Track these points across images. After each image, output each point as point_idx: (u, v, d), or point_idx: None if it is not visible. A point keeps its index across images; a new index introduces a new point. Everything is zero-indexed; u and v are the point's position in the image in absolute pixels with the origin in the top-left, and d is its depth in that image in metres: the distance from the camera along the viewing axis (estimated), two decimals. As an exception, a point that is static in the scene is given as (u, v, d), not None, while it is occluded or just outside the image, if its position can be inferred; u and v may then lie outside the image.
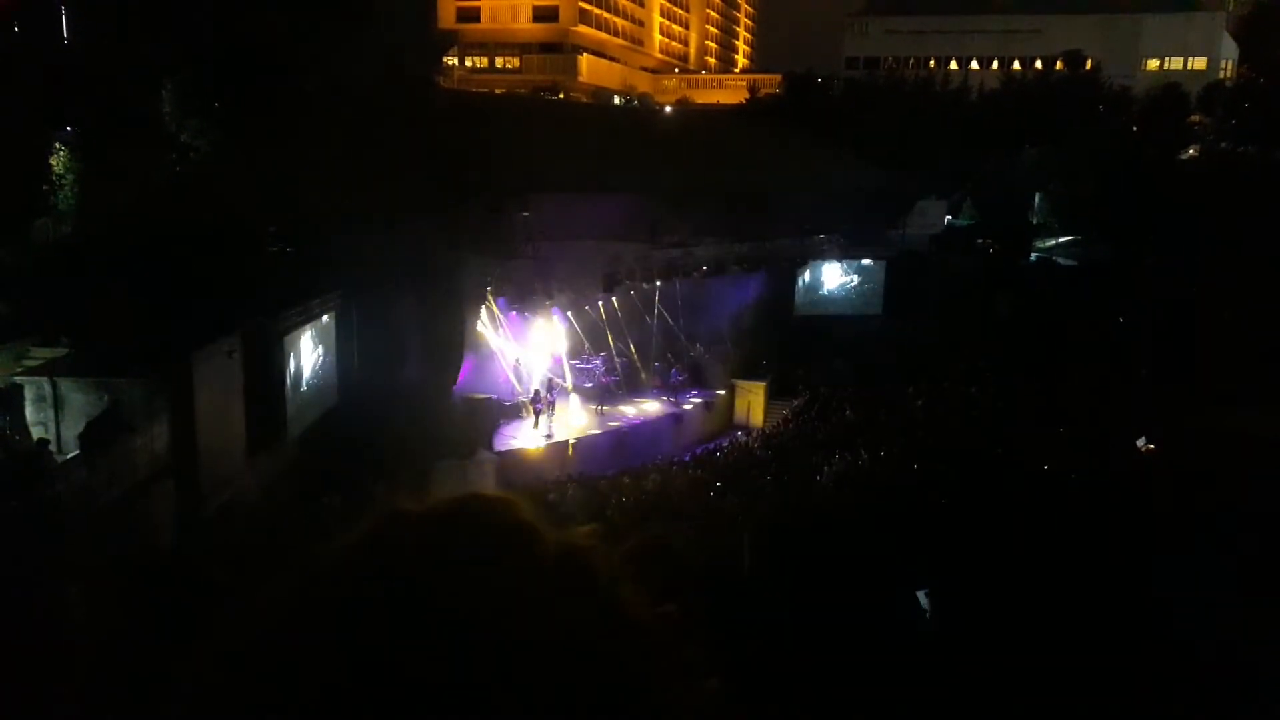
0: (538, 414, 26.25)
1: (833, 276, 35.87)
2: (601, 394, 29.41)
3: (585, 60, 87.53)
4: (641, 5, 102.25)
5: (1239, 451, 19.73)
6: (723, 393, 31.87)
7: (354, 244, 20.64)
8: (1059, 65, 59.17)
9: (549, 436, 26.12)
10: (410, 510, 0.75)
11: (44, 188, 18.47)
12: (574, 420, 27.80)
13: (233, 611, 0.70)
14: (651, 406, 29.81)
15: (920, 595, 13.15)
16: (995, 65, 73.23)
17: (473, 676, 0.63)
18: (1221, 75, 68.90)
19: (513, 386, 27.33)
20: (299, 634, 0.66)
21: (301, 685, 0.63)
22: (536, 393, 26.73)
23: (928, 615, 13.16)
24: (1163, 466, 20.44)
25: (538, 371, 28.26)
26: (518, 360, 27.68)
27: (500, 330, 27.22)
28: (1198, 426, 21.99)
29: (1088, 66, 58.67)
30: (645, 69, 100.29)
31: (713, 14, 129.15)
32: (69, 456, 14.23)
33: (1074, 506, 17.72)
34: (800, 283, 35.40)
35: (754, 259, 32.00)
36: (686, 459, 26.35)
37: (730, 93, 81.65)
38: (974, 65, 75.55)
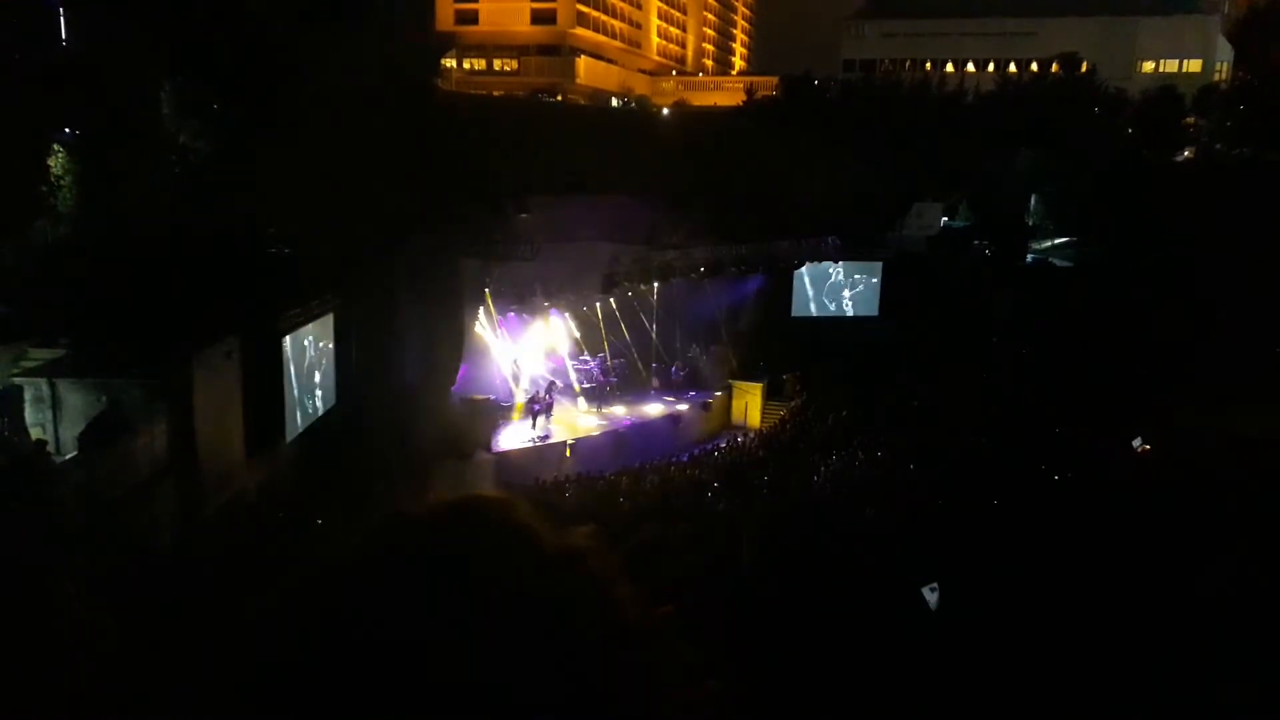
0: (535, 415, 26.27)
1: (830, 278, 35.97)
2: (599, 395, 29.47)
3: (583, 62, 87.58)
4: (639, 8, 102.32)
5: (1235, 452, 19.80)
6: (720, 394, 31.93)
7: (353, 245, 20.66)
8: (1054, 68, 59.33)
9: (546, 437, 26.15)
10: (410, 511, 0.75)
11: (42, 189, 18.45)
12: (572, 421, 27.85)
13: (235, 612, 0.71)
14: (650, 407, 29.87)
15: (926, 591, 13.18)
16: (991, 68, 73.37)
17: (471, 677, 0.64)
18: (1217, 77, 69.07)
19: (510, 387, 27.37)
20: (300, 634, 0.67)
21: (303, 685, 0.64)
22: (535, 394, 26.77)
23: (930, 613, 13.20)
24: (1158, 467, 20.51)
25: (535, 372, 28.31)
26: (515, 361, 27.73)
27: (498, 331, 27.27)
28: (1193, 427, 22.07)
29: (1083, 69, 58.78)
30: (643, 71, 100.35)
31: (710, 16, 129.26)
32: (68, 457, 14.26)
33: (1069, 507, 17.78)
34: (797, 284, 35.49)
35: (751, 260, 32.08)
36: (684, 459, 26.40)
37: (727, 95, 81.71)
38: (970, 68, 75.69)
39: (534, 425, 26.24)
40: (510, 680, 0.64)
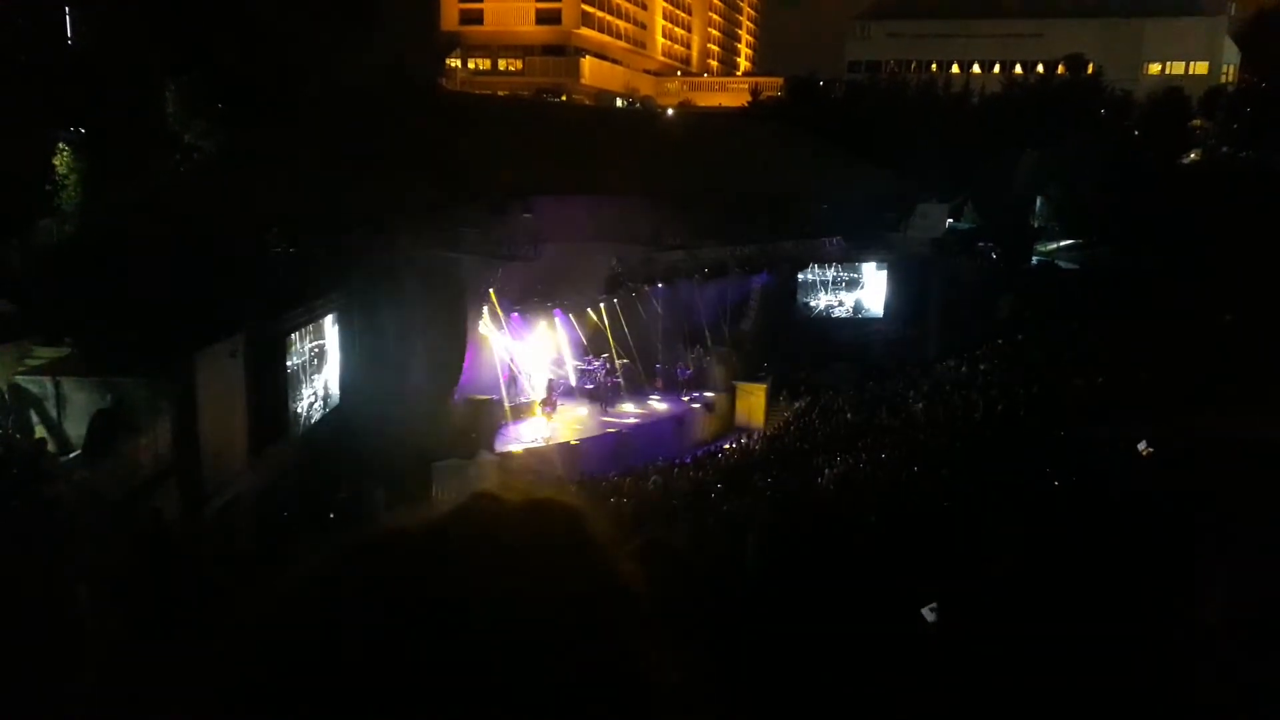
0: (548, 415, 26.24)
1: (834, 279, 35.92)
2: (603, 396, 29.47)
3: (588, 63, 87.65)
4: (644, 8, 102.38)
5: (1239, 456, 19.72)
6: (724, 395, 31.86)
7: (356, 245, 20.68)
8: (1060, 69, 59.23)
9: (549, 438, 26.13)
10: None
11: (48, 188, 18.50)
12: (576, 422, 27.84)
13: (239, 610, 0.70)
14: (653, 408, 29.82)
15: (925, 611, 13.10)
16: (997, 69, 73.28)
17: (475, 684, 0.63)
18: (1223, 79, 68.92)
19: (515, 387, 27.35)
20: (303, 633, 0.67)
21: (307, 681, 0.63)
22: (546, 395, 26.82)
23: (930, 620, 13.15)
24: (1164, 470, 20.44)
25: (540, 373, 28.31)
26: (512, 359, 27.73)
27: (502, 331, 27.26)
28: (1198, 430, 21.98)
29: (1089, 70, 58.68)
30: (647, 71, 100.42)
31: (715, 17, 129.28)
32: (72, 455, 14.27)
33: (1075, 510, 17.71)
34: (802, 285, 35.44)
35: (756, 262, 32.02)
36: (688, 460, 26.37)
37: (732, 95, 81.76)
38: (975, 69, 75.61)
39: (550, 421, 26.21)
40: (546, 686, 0.65)
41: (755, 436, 29.52)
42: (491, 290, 25.73)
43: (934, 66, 72.14)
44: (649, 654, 0.72)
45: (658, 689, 0.70)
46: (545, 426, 26.24)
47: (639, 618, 0.74)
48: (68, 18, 21.12)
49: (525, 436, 25.98)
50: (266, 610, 0.70)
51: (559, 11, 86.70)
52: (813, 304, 35.92)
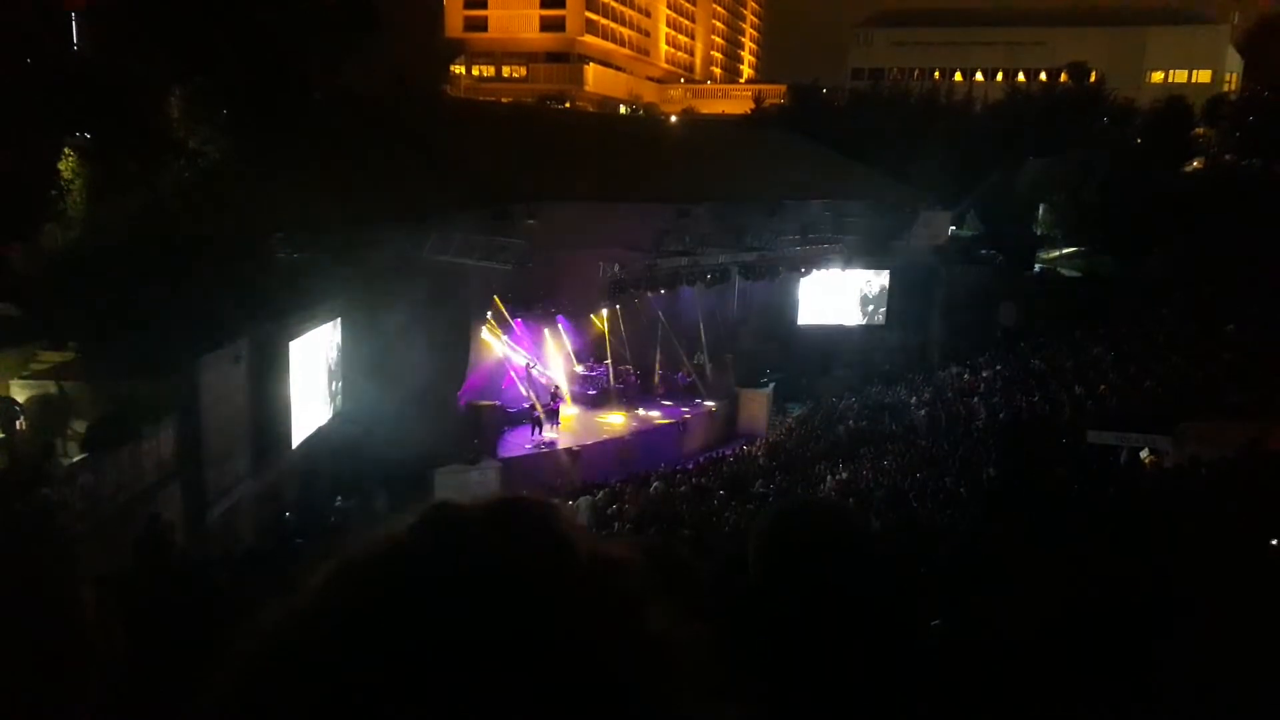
0: (537, 422, 26.25)
1: (836, 286, 35.96)
2: (605, 402, 29.51)
3: (591, 70, 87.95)
4: (648, 15, 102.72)
5: (1243, 463, 19.69)
6: (726, 401, 31.89)
7: (360, 250, 20.72)
8: (1063, 77, 59.25)
9: (552, 444, 26.15)
10: (458, 503, 0.74)
11: (52, 193, 18.54)
12: (578, 427, 27.87)
13: (249, 620, 0.69)
14: (655, 414, 29.85)
15: (931, 625, 13.05)
16: (1000, 77, 73.42)
17: (489, 684, 0.62)
18: (1226, 88, 68.98)
19: (520, 394, 27.40)
20: (313, 644, 0.65)
21: (316, 697, 0.62)
22: (550, 399, 26.84)
23: (933, 631, 13.13)
24: (1167, 478, 20.42)
25: (543, 379, 28.35)
26: (527, 367, 27.78)
27: (506, 338, 27.31)
28: (1201, 438, 21.96)
29: (1092, 79, 58.72)
30: (651, 79, 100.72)
31: (719, 25, 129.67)
32: (75, 460, 14.29)
33: (1078, 519, 17.69)
34: (804, 292, 35.48)
35: (758, 268, 32.06)
36: (690, 467, 26.39)
37: (735, 103, 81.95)
38: (978, 77, 75.77)
39: (539, 431, 26.23)
40: (528, 691, 0.62)
41: (758, 443, 29.53)
42: (495, 296, 25.79)
43: (936, 74, 72.33)
44: (635, 655, 0.68)
45: (637, 692, 0.67)
46: (548, 432, 26.30)
47: (619, 618, 0.70)
48: (74, 23, 21.20)
49: (528, 443, 26.02)
50: (263, 639, 0.68)
51: (563, 19, 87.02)
52: (815, 310, 35.93)
